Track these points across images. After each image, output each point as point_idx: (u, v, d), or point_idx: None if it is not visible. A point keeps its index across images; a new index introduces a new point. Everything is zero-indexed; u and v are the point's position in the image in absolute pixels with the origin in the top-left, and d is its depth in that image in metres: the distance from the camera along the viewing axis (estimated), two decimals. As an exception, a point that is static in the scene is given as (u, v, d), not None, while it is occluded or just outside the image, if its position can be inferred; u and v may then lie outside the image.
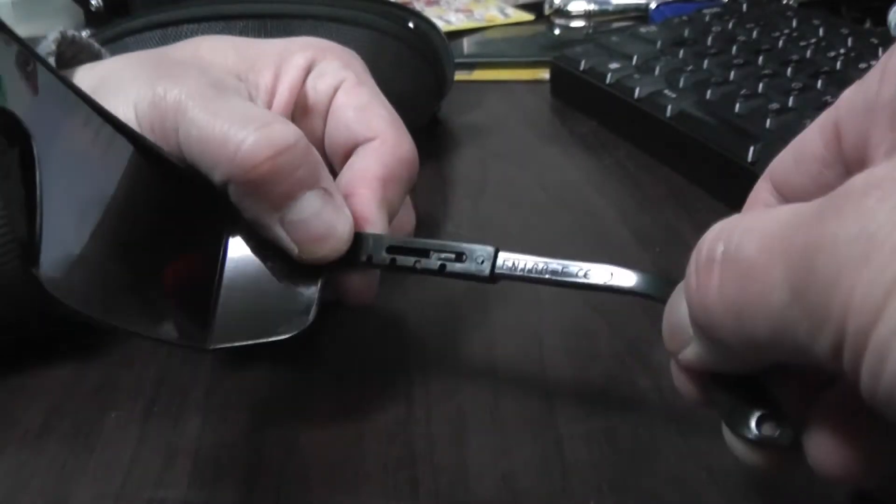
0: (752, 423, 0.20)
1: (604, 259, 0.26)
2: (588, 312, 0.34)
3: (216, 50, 0.33)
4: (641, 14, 0.73)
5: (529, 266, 0.27)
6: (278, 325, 0.27)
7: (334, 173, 0.30)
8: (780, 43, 0.54)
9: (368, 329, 0.34)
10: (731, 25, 0.57)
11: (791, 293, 0.16)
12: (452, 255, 0.27)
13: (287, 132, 0.27)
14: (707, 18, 0.59)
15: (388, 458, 0.27)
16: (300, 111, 0.32)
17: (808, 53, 0.52)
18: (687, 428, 0.28)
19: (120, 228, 0.25)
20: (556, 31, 0.72)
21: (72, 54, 0.35)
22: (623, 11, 0.74)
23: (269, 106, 0.32)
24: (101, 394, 0.30)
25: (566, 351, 0.32)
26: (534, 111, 0.56)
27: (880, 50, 0.52)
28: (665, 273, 0.25)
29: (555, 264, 0.26)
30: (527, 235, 0.40)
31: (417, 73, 0.48)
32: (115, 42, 0.45)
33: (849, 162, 0.21)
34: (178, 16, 0.46)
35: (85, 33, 0.36)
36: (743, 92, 0.46)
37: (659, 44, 0.55)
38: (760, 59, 0.51)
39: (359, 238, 0.28)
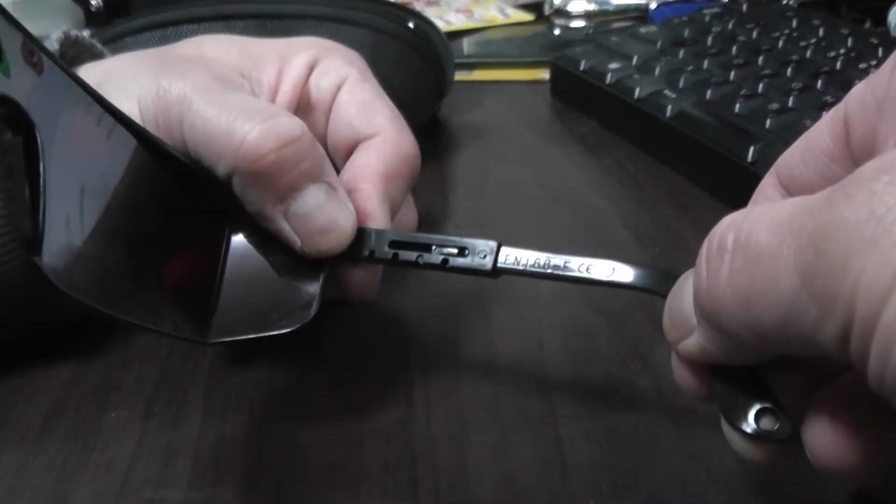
0: (751, 417, 0.20)
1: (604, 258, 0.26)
2: (588, 312, 0.34)
3: (219, 48, 0.33)
4: (641, 14, 0.73)
5: (531, 261, 0.27)
6: (280, 319, 0.27)
7: (337, 170, 0.30)
8: (780, 43, 0.54)
9: (368, 329, 0.34)
10: (731, 25, 0.57)
11: (800, 278, 0.16)
12: (455, 250, 0.27)
13: (292, 125, 0.27)
14: (707, 18, 0.59)
15: (388, 458, 0.27)
16: (303, 108, 0.32)
17: (808, 53, 0.52)
18: (687, 428, 0.28)
19: (122, 221, 0.25)
20: (556, 31, 0.72)
21: (74, 55, 0.35)
22: (623, 11, 0.74)
23: (273, 103, 0.32)
24: (101, 394, 0.30)
25: (566, 351, 0.32)
26: (534, 111, 0.56)
27: (880, 50, 0.52)
28: (666, 269, 0.25)
29: (557, 259, 0.26)
30: (527, 235, 0.40)
31: (417, 73, 0.48)
32: (115, 42, 0.45)
33: (857, 157, 0.21)
34: (178, 16, 0.46)
35: (85, 33, 0.36)
36: (743, 92, 0.46)
37: (659, 44, 0.55)
38: (760, 59, 0.51)
39: (361, 233, 0.28)
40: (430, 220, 0.41)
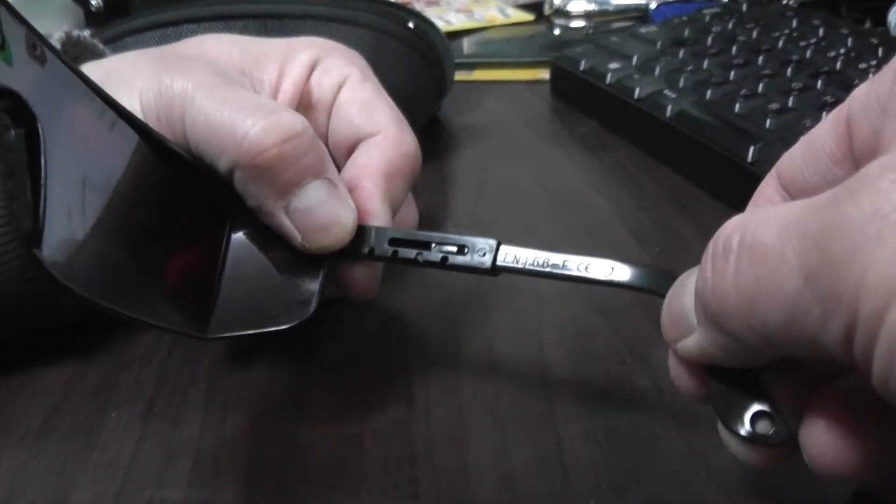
0: (747, 420, 0.20)
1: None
2: (588, 312, 0.34)
3: (220, 47, 0.33)
4: (641, 14, 0.73)
5: (531, 259, 0.27)
6: (279, 315, 0.27)
7: (338, 170, 0.30)
8: (780, 43, 0.54)
9: (368, 329, 0.34)
10: (731, 25, 0.57)
11: (804, 278, 0.16)
12: (454, 248, 0.27)
13: (295, 120, 0.27)
14: (707, 18, 0.59)
15: (388, 458, 0.27)
16: (304, 107, 0.32)
17: (808, 53, 0.52)
18: (687, 428, 0.28)
19: (123, 216, 0.25)
20: (556, 31, 0.72)
21: (76, 54, 0.35)
22: (623, 11, 0.74)
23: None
24: (101, 394, 0.30)
25: (566, 350, 0.32)
26: (534, 111, 0.56)
27: (880, 50, 0.52)
28: (665, 268, 0.25)
29: (556, 258, 0.26)
30: (526, 235, 0.40)
31: (417, 73, 0.48)
32: (116, 42, 0.45)
33: (859, 158, 0.21)
34: (178, 16, 0.46)
35: (86, 33, 0.36)
36: (743, 92, 0.46)
37: (659, 44, 0.55)
38: (760, 59, 0.51)
39: (361, 230, 0.28)
40: (430, 219, 0.41)
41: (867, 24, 0.65)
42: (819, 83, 0.47)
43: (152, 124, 0.28)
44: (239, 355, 0.32)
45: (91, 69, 0.32)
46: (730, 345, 0.19)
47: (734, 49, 0.53)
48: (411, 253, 0.28)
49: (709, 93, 0.47)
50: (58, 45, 0.34)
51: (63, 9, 0.63)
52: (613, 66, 0.52)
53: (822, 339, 0.16)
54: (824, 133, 0.23)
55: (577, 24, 0.74)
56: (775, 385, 0.21)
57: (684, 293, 0.21)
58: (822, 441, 0.19)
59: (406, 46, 0.47)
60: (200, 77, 0.28)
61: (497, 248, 0.27)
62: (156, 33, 0.46)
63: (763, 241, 0.17)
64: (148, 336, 0.33)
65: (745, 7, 0.61)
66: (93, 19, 0.63)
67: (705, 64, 0.51)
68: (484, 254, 0.27)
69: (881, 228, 0.15)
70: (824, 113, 0.43)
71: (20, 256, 0.28)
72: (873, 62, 0.50)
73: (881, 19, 0.63)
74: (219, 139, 0.27)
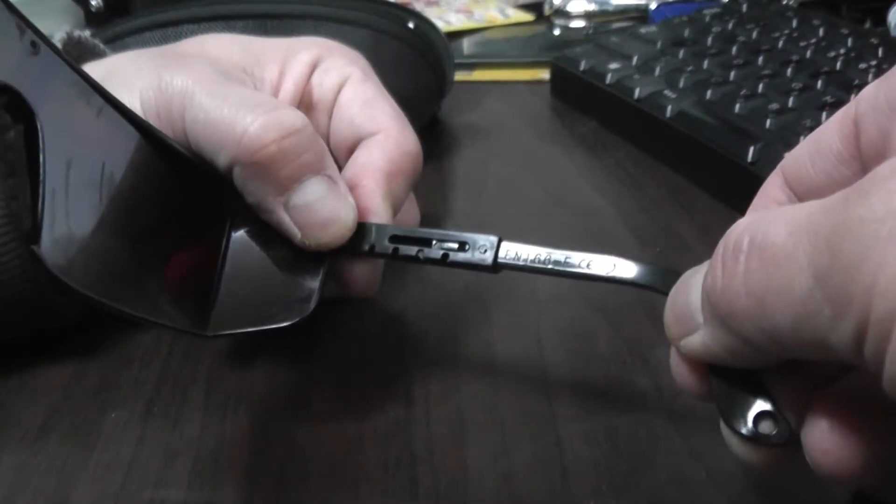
0: (749, 420, 0.20)
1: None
2: (588, 312, 0.34)
3: (221, 46, 0.33)
4: (641, 14, 0.73)
5: (532, 256, 0.26)
6: (279, 312, 0.27)
7: (339, 169, 0.30)
8: (780, 43, 0.54)
9: (368, 328, 0.34)
10: (731, 25, 0.57)
11: (815, 279, 0.16)
12: (455, 245, 0.27)
13: (294, 117, 0.27)
14: (707, 19, 0.59)
15: (388, 458, 0.27)
16: (305, 106, 0.32)
17: (808, 53, 0.52)
18: (687, 428, 0.28)
19: (123, 213, 0.25)
20: (556, 32, 0.72)
21: (77, 54, 0.35)
22: (623, 11, 0.74)
23: None
24: (101, 394, 0.30)
25: (566, 350, 0.32)
26: (534, 111, 0.56)
27: (880, 50, 0.52)
28: (667, 266, 0.25)
29: (557, 255, 0.26)
30: (527, 235, 0.40)
31: (417, 73, 0.48)
32: (116, 42, 0.45)
33: (866, 158, 0.21)
34: (178, 16, 0.46)
35: (86, 33, 0.36)
36: (743, 92, 0.46)
37: (659, 44, 0.55)
38: (760, 59, 0.51)
39: (362, 227, 0.28)
40: (430, 219, 0.41)
41: (867, 24, 0.65)
42: (819, 83, 0.47)
43: (152, 122, 0.28)
44: (239, 355, 0.32)
45: (91, 68, 0.32)
46: (736, 345, 0.19)
47: (734, 49, 0.53)
48: (412, 250, 0.28)
49: (709, 93, 0.47)
50: (59, 46, 0.34)
51: (63, 9, 0.63)
52: (613, 66, 0.52)
53: (832, 341, 0.16)
54: (831, 132, 0.22)
55: (577, 24, 0.74)
56: (778, 384, 0.21)
57: (689, 290, 0.21)
58: (824, 441, 0.19)
59: (406, 46, 0.47)
60: (200, 74, 0.28)
61: (498, 245, 0.27)
62: (156, 33, 0.46)
63: (773, 241, 0.17)
64: (148, 336, 0.33)
65: (745, 7, 0.61)
66: (93, 19, 0.63)
67: (705, 64, 0.51)
68: (485, 250, 0.27)
69: (893, 229, 0.14)
70: (824, 113, 0.43)
71: (20, 256, 0.28)
72: (873, 62, 0.50)
73: (881, 19, 0.63)
74: (218, 136, 0.27)
